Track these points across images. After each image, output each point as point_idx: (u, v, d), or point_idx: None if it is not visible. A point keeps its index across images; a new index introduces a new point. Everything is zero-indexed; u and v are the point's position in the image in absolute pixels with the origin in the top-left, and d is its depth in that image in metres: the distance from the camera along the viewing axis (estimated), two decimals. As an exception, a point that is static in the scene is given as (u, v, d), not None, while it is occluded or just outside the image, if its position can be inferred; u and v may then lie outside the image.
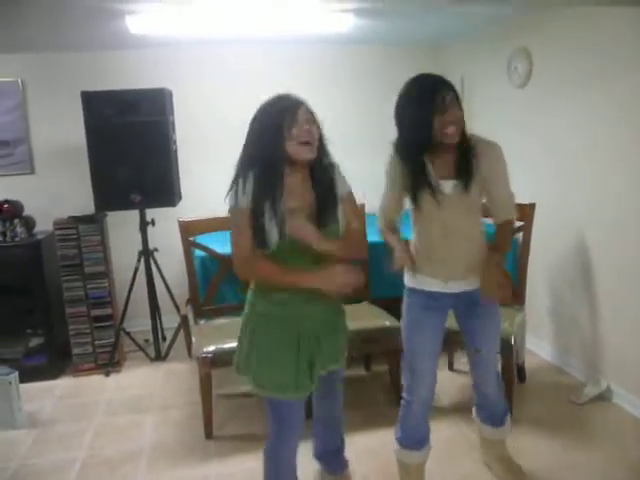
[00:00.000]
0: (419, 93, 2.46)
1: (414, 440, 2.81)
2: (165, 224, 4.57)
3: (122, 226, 4.92)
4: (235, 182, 2.30)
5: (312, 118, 2.30)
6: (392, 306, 3.89)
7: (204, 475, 3.17)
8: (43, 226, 4.65)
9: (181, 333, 4.71)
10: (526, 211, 3.65)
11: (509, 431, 3.02)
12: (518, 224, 3.39)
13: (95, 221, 4.50)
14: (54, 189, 5.13)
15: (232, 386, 4.04)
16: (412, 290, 2.72)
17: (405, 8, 4.01)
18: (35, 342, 4.66)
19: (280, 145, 2.21)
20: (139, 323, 4.99)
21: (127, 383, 4.41)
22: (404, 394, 2.78)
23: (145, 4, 3.61)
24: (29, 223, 4.59)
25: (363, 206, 4.03)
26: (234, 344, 3.35)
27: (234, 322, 3.65)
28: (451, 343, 3.13)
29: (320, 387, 2.60)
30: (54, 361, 4.57)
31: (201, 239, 3.91)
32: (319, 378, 2.52)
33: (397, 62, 5.60)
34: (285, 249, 2.27)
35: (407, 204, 2.64)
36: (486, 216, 2.68)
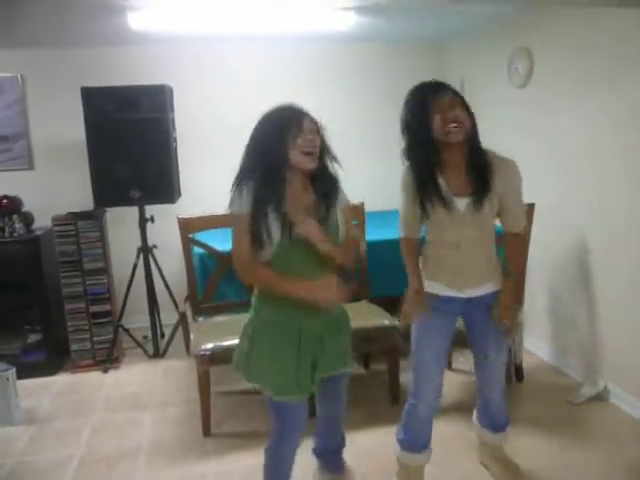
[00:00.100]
0: (419, 97, 2.50)
1: (417, 443, 2.81)
2: (164, 221, 4.57)
3: (121, 222, 4.91)
4: (236, 188, 2.33)
5: (316, 128, 2.34)
6: (391, 305, 3.90)
7: (202, 473, 3.16)
8: (42, 222, 4.65)
9: (179, 330, 4.68)
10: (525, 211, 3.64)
11: (508, 438, 3.03)
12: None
13: (94, 217, 4.50)
14: (53, 185, 5.13)
15: (230, 384, 4.04)
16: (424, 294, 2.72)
17: (406, 5, 4.01)
18: (33, 338, 4.66)
19: (284, 153, 2.26)
20: (138, 320, 4.98)
21: (125, 380, 4.40)
22: (410, 397, 2.78)
23: (146, 0, 3.60)
24: (28, 219, 4.58)
25: (362, 204, 4.04)
26: (233, 341, 3.36)
27: (233, 319, 3.68)
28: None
29: (324, 388, 2.63)
30: (52, 357, 4.56)
31: (200, 236, 3.92)
32: (324, 380, 2.54)
33: (398, 60, 5.61)
34: (286, 253, 2.31)
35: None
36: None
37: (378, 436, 3.41)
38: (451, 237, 2.57)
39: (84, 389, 4.27)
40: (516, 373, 4.00)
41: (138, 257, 4.67)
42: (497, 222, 2.69)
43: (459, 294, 2.64)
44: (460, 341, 2.99)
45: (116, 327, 4.59)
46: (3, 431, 3.69)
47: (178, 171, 4.66)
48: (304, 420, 2.53)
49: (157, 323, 4.85)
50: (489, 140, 2.62)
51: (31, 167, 5.14)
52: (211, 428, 3.54)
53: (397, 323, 3.64)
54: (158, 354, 4.76)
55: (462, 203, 2.51)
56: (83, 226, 4.46)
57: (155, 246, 4.71)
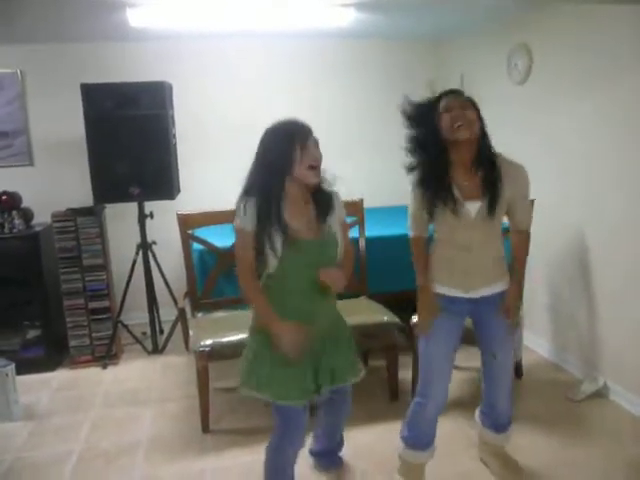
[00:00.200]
0: (428, 100, 2.60)
1: (421, 441, 2.82)
2: (163, 217, 4.56)
3: (120, 219, 4.91)
4: (242, 203, 2.39)
5: (318, 144, 2.40)
6: (390, 301, 3.90)
7: (201, 469, 3.16)
8: (41, 218, 4.65)
9: (179, 326, 4.69)
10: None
11: (509, 439, 3.03)
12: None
13: (93, 213, 4.49)
14: (53, 181, 5.12)
15: (229, 380, 4.04)
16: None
17: (406, 1, 4.00)
18: (32, 334, 4.65)
19: (289, 167, 2.32)
20: (137, 316, 4.98)
21: (124, 376, 4.40)
22: (417, 397, 2.78)
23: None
24: (27, 215, 4.58)
25: (362, 200, 4.03)
26: (232, 337, 3.40)
27: (232, 315, 3.68)
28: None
29: (331, 396, 2.69)
30: (51, 353, 4.56)
31: (199, 232, 3.91)
32: (329, 389, 2.60)
33: (397, 57, 5.61)
34: (287, 267, 2.40)
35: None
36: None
37: (377, 433, 3.41)
38: (462, 239, 2.59)
39: (83, 385, 4.27)
40: (515, 370, 3.99)
41: (137, 253, 4.66)
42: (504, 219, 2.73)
43: (468, 294, 2.65)
44: (463, 338, 2.98)
45: (115, 323, 4.59)
46: (2, 427, 3.69)
47: (177, 167, 4.65)
48: (306, 421, 2.56)
49: (156, 319, 4.85)
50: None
51: (31, 163, 5.13)
52: (210, 424, 3.53)
53: (397, 320, 3.65)
54: (157, 350, 4.76)
55: (473, 207, 2.54)
56: (82, 222, 4.46)
57: (154, 242, 4.70)
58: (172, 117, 4.54)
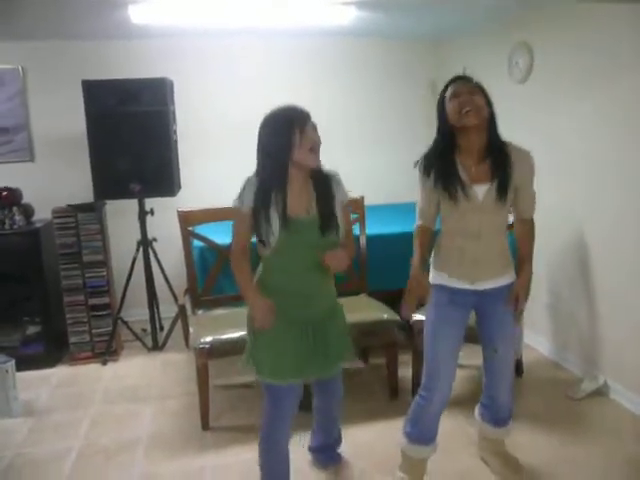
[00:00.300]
0: (442, 89, 2.60)
1: (425, 436, 2.81)
2: (164, 214, 4.56)
3: (121, 215, 4.91)
4: (244, 183, 2.46)
5: (316, 128, 2.45)
6: (389, 299, 3.90)
7: (200, 466, 3.16)
8: (42, 214, 4.64)
9: (179, 323, 4.68)
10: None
11: (509, 433, 3.03)
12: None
13: (94, 210, 4.49)
14: (53, 177, 5.12)
15: (229, 377, 4.05)
16: (438, 287, 2.72)
17: (406, 0, 4.00)
18: (32, 330, 4.66)
19: (289, 151, 2.36)
20: (137, 312, 4.98)
21: (124, 372, 4.40)
22: (422, 391, 2.77)
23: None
24: (28, 211, 4.58)
25: (362, 198, 4.03)
26: (232, 335, 3.40)
27: (232, 313, 3.68)
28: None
29: (322, 381, 2.77)
30: (51, 349, 4.56)
31: (200, 229, 3.91)
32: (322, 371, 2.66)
33: (398, 56, 5.60)
34: (284, 249, 2.46)
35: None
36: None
37: (377, 431, 3.40)
38: (471, 225, 2.58)
39: (83, 381, 4.27)
40: (516, 368, 3.98)
41: (138, 250, 4.66)
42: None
43: (474, 286, 2.66)
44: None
45: (115, 319, 4.59)
46: (2, 423, 3.69)
47: (178, 164, 4.65)
48: (295, 407, 2.62)
49: (156, 316, 4.85)
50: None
51: (31, 159, 5.13)
52: (210, 421, 3.53)
53: (397, 318, 3.64)
54: (157, 347, 4.76)
55: (481, 190, 2.54)
56: (83, 218, 4.46)
57: (155, 239, 4.70)
58: (173, 114, 4.54)
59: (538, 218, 3.73)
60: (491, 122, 2.55)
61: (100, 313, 4.59)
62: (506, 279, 2.71)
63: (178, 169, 4.63)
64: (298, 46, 5.41)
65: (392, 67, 5.62)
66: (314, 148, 2.40)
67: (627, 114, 3.46)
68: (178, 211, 3.83)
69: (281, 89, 5.26)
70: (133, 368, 4.47)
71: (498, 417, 2.95)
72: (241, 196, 2.45)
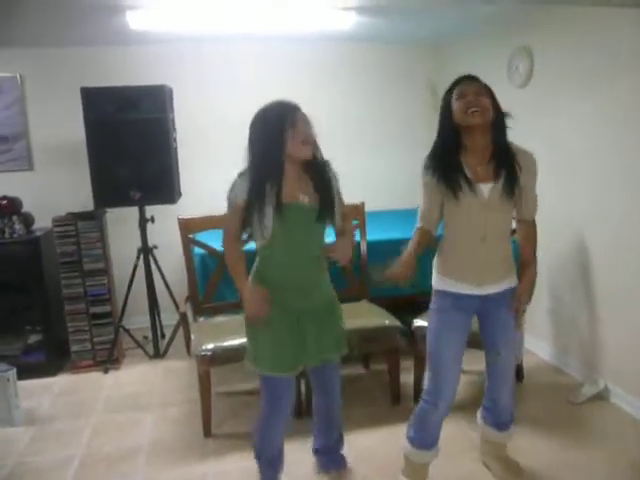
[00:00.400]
0: (447, 89, 2.61)
1: (426, 441, 2.82)
2: (164, 221, 4.57)
3: (121, 223, 4.91)
4: (239, 177, 2.51)
5: (308, 120, 2.49)
6: (391, 305, 3.90)
7: (202, 473, 3.16)
8: (42, 223, 4.64)
9: (180, 330, 4.68)
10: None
11: (512, 437, 3.03)
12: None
13: (94, 218, 4.49)
14: (53, 185, 5.12)
15: (231, 384, 4.05)
16: (442, 292, 2.73)
17: (407, 5, 4.00)
18: (33, 339, 4.65)
19: (282, 144, 2.40)
20: (138, 320, 4.98)
21: (126, 380, 4.40)
22: (426, 396, 2.77)
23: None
24: (27, 220, 4.57)
25: (363, 204, 4.04)
26: (233, 342, 3.40)
27: (233, 320, 3.67)
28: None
29: (319, 378, 2.83)
30: (52, 358, 4.56)
31: (200, 236, 3.91)
32: (318, 368, 2.74)
33: (397, 60, 5.61)
34: (279, 241, 2.51)
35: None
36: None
37: (379, 436, 3.40)
38: (477, 225, 2.58)
39: (84, 390, 4.26)
40: (517, 373, 3.98)
41: (138, 257, 4.66)
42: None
43: (477, 291, 2.66)
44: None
45: (116, 327, 4.59)
46: (3, 432, 3.68)
47: (178, 171, 4.65)
48: (290, 404, 2.71)
49: (157, 323, 4.85)
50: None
51: (31, 168, 5.13)
52: (212, 428, 3.53)
53: (398, 324, 3.64)
54: (158, 354, 4.76)
55: (486, 188, 2.56)
56: (83, 227, 4.46)
57: (155, 246, 4.70)
58: (172, 121, 4.54)
59: (539, 221, 3.74)
60: (499, 123, 2.57)
61: (101, 321, 4.58)
62: (509, 283, 2.71)
63: (178, 176, 4.64)
64: (298, 51, 5.41)
65: (392, 71, 5.63)
66: (306, 140, 2.45)
67: (628, 114, 3.46)
68: (179, 218, 3.83)
69: (281, 95, 5.29)
70: (135, 376, 4.47)
71: (500, 421, 2.96)
72: (233, 189, 2.50)
